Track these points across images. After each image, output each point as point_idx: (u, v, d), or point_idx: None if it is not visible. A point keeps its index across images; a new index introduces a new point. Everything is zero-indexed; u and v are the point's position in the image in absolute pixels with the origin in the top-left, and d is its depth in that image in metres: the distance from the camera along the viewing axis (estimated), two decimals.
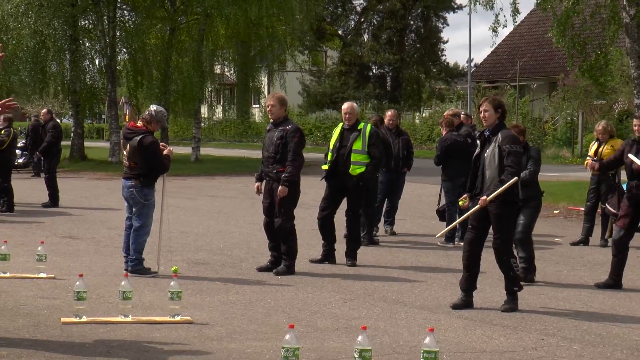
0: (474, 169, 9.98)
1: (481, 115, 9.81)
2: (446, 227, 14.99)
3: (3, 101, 8.05)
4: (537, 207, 11.82)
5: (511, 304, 9.71)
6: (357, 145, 12.72)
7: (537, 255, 13.78)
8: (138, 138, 11.34)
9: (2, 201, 18.67)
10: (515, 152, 9.61)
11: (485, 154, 9.74)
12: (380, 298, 10.32)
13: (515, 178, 9.63)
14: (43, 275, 10.95)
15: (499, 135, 9.68)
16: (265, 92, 52.70)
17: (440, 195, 15.62)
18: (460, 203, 10.32)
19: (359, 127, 12.88)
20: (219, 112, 60.34)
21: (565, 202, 21.49)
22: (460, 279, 9.99)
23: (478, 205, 9.67)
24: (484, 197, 9.56)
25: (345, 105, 13.08)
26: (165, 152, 11.56)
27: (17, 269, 11.30)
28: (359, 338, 6.77)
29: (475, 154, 10.00)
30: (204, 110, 46.74)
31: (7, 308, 9.20)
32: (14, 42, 34.94)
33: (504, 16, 64.76)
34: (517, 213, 10.37)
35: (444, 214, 15.14)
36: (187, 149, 40.55)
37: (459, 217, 14.76)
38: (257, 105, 64.38)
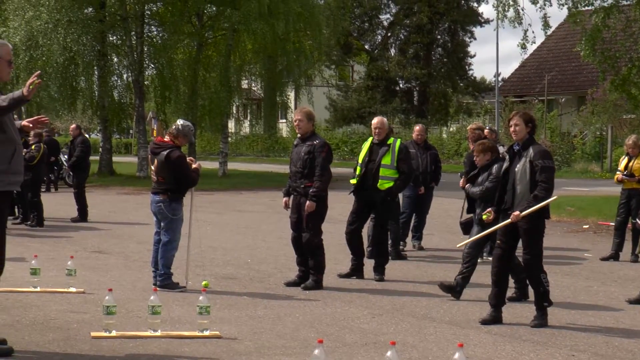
0: (502, 184, 9.93)
1: (511, 129, 9.77)
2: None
3: (35, 118, 8.12)
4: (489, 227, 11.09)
5: (541, 320, 9.65)
6: (386, 160, 12.71)
7: (567, 270, 13.75)
8: (165, 153, 11.38)
9: (32, 216, 18.81)
10: (548, 167, 9.55)
11: (516, 169, 9.69)
12: (409, 313, 10.29)
13: (555, 197, 9.61)
14: (73, 289, 11.00)
15: (530, 150, 9.64)
16: (292, 107, 52.85)
17: (463, 207, 15.57)
18: (484, 217, 10.29)
19: (388, 142, 12.88)
20: (246, 127, 60.53)
21: (594, 217, 21.38)
22: (489, 294, 9.95)
23: (509, 220, 9.62)
24: (517, 212, 9.50)
25: (375, 120, 13.08)
26: (194, 166, 11.60)
27: (47, 283, 11.35)
28: (388, 353, 6.74)
29: (503, 168, 9.96)
30: (231, 125, 46.86)
31: (37, 322, 9.25)
32: (43, 58, 35.24)
33: (532, 32, 64.64)
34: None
35: (468, 227, 15.06)
36: (215, 163, 40.65)
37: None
38: (284, 120, 64.48)
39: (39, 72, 7.89)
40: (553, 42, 54.32)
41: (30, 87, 7.42)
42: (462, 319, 9.98)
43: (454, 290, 11.14)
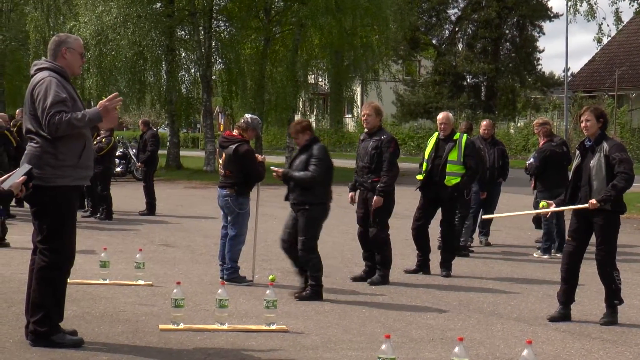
0: (574, 180, 9.78)
1: (582, 125, 9.62)
2: (542, 237, 14.80)
3: (110, 97, 8.01)
4: (315, 216, 10.71)
5: (611, 317, 9.52)
6: (453, 156, 12.62)
7: (637, 268, 13.53)
8: (234, 146, 11.44)
9: (102, 209, 19.03)
10: (627, 159, 9.38)
11: (591, 165, 9.52)
12: (476, 309, 10.22)
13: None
14: (141, 282, 11.12)
15: (605, 144, 9.47)
16: (359, 102, 52.73)
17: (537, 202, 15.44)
18: (541, 205, 10.22)
19: (454, 138, 12.78)
20: (312, 122, 60.63)
21: None
22: (557, 291, 9.84)
23: (585, 205, 9.42)
24: (594, 200, 9.31)
25: (440, 115, 13.01)
26: (259, 158, 11.63)
27: (116, 276, 11.49)
28: (456, 349, 6.71)
29: (575, 164, 9.80)
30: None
31: (107, 314, 9.36)
32: (112, 52, 35.68)
33: (607, 25, 63.65)
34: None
35: (540, 221, 14.95)
36: (281, 158, 40.75)
37: (556, 228, 14.60)
38: (350, 115, 64.46)
39: (119, 98, 7.96)
40: (624, 37, 53.44)
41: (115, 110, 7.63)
42: (530, 316, 9.89)
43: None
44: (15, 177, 6.30)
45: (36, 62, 8.09)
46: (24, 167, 6.43)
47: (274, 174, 10.89)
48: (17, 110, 20.14)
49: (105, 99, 7.83)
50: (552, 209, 10.12)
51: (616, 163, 9.34)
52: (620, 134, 43.53)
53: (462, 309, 10.20)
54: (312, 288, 10.60)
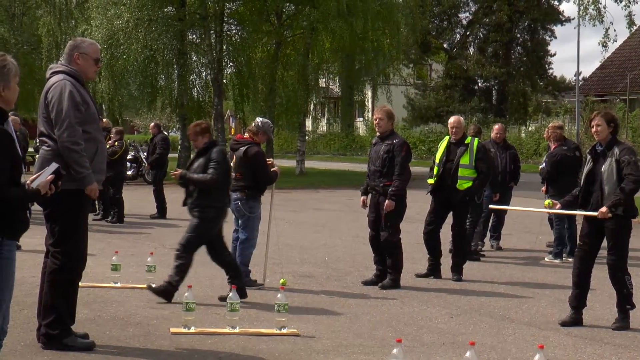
0: (585, 185, 9.73)
1: (593, 129, 9.60)
2: (554, 241, 14.75)
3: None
4: (210, 219, 10.46)
5: (623, 322, 9.49)
6: (465, 160, 12.62)
7: None
8: (244, 148, 11.44)
9: (113, 212, 19.06)
10: (634, 161, 9.35)
11: (602, 169, 9.49)
12: (487, 313, 10.20)
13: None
14: (152, 285, 11.11)
15: (615, 149, 9.44)
16: (370, 106, 52.69)
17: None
18: (546, 203, 10.20)
19: (466, 142, 12.77)
20: (323, 126, 60.63)
21: None
22: (569, 295, 9.82)
23: (594, 213, 9.38)
24: (604, 208, 9.26)
25: (452, 119, 12.99)
26: (273, 169, 11.62)
27: (128, 279, 11.51)
28: (467, 354, 6.69)
29: (587, 169, 9.75)
30: (308, 123, 46.96)
31: (118, 317, 9.37)
32: (124, 56, 35.72)
33: (615, 30, 63.67)
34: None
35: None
36: (292, 162, 40.79)
37: (567, 232, 14.57)
38: (361, 119, 64.42)
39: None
40: (636, 40, 53.26)
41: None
42: (541, 320, 9.87)
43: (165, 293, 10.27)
44: (43, 177, 6.32)
45: (52, 66, 8.13)
46: (52, 166, 6.43)
47: (172, 175, 10.78)
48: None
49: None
50: (558, 208, 10.09)
51: (624, 165, 9.32)
52: (631, 138, 43.39)
53: (473, 314, 10.18)
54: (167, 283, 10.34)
